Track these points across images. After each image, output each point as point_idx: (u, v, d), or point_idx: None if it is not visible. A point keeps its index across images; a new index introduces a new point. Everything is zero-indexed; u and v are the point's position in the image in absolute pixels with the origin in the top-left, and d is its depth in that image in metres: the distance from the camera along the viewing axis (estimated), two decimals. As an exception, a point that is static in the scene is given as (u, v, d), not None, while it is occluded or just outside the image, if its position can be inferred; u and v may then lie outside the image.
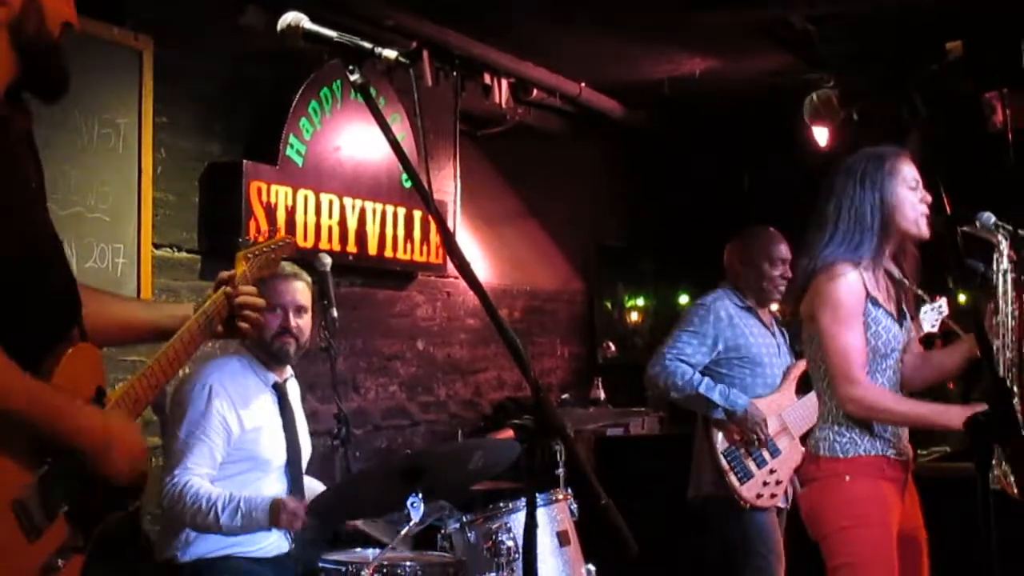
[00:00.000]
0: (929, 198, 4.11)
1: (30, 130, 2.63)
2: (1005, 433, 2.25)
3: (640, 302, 9.80)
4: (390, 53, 2.71)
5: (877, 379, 4.04)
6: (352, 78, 2.70)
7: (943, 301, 5.21)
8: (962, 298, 5.67)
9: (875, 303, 4.02)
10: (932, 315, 5.33)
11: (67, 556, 2.52)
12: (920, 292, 4.30)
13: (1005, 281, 4.07)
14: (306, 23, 2.76)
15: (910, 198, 4.05)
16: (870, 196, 4.03)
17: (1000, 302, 4.08)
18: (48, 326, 2.58)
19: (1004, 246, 4.07)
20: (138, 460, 2.65)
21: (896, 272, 4.16)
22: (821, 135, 7.86)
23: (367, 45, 2.73)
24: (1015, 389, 4.05)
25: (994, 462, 4.06)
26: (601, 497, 2.45)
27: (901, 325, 4.11)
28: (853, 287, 4.00)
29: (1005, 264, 4.08)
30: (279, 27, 2.75)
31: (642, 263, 9.73)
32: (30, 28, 2.49)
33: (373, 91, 6.55)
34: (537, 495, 4.64)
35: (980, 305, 4.05)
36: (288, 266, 4.87)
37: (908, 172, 4.08)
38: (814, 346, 4.15)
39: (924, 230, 4.07)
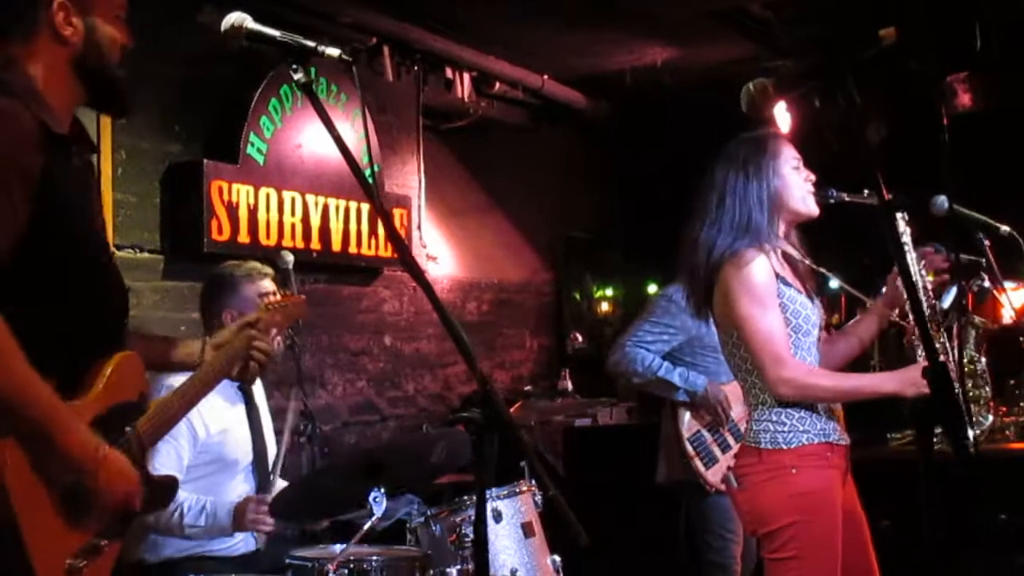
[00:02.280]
0: (813, 176, 4.07)
1: (91, 159, 2.99)
2: (946, 415, 2.27)
3: (609, 292, 9.81)
4: (333, 51, 2.74)
5: (805, 357, 3.98)
6: (295, 77, 2.72)
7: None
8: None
9: (785, 282, 3.97)
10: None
11: (95, 551, 2.73)
12: (815, 266, 4.23)
13: (903, 243, 4.00)
14: (249, 23, 2.78)
15: (794, 177, 4.02)
16: (755, 182, 3.97)
17: (905, 261, 4.02)
18: (99, 330, 2.80)
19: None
20: (129, 491, 2.76)
21: (795, 253, 4.11)
22: (784, 122, 7.87)
23: (310, 43, 2.75)
24: (937, 345, 4.02)
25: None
26: (549, 488, 2.47)
27: (812, 302, 4.06)
28: (763, 269, 3.93)
29: (902, 226, 4.00)
30: (222, 27, 2.78)
31: (610, 253, 9.73)
32: (92, 61, 2.85)
33: (335, 87, 6.64)
34: (501, 487, 4.72)
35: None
36: (259, 265, 4.89)
37: (788, 152, 4.04)
38: (732, 341, 4.07)
39: (812, 207, 4.04)
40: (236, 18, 2.77)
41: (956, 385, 3.90)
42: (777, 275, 3.97)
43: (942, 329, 4.05)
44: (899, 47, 6.40)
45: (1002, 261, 4.32)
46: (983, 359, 4.24)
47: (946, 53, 7.12)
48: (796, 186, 4.01)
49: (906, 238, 3.97)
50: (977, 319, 4.25)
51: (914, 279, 3.94)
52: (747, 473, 4.02)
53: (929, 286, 4.02)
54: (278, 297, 3.68)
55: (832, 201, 4.05)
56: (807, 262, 4.14)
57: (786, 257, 4.09)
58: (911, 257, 3.97)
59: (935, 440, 2.67)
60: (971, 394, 4.17)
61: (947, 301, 4.11)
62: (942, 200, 4.14)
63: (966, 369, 4.15)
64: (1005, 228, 4.28)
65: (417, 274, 2.59)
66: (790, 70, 6.96)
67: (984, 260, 4.34)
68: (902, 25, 6.30)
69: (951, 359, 4.03)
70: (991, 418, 4.18)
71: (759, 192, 3.97)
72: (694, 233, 4.06)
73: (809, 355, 4.00)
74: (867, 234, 3.94)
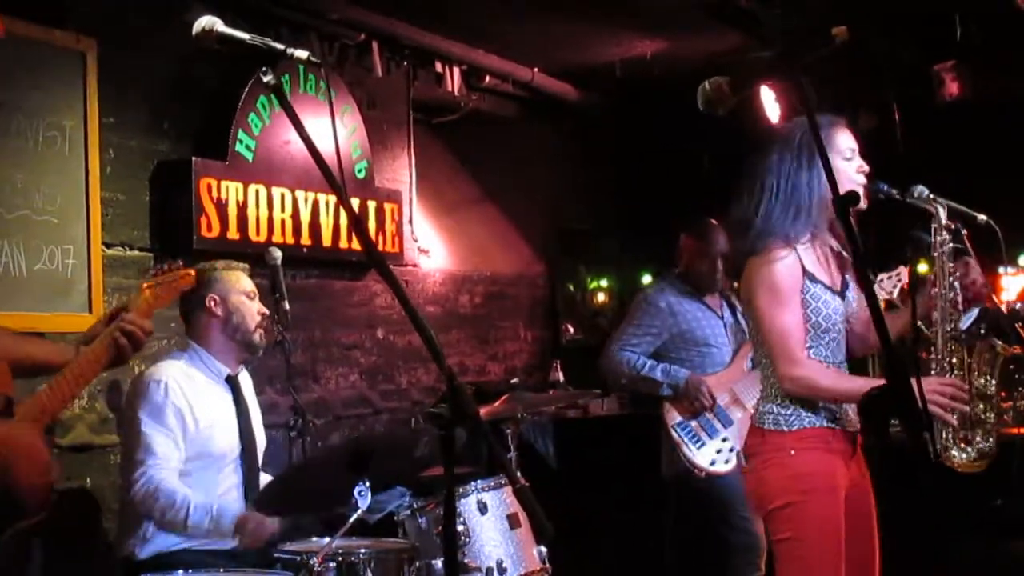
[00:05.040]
0: (866, 167, 4.12)
1: None
2: (900, 407, 2.31)
3: (604, 283, 9.84)
4: (301, 53, 2.79)
5: (821, 352, 4.05)
6: (265, 80, 2.75)
7: (902, 270, 5.30)
8: (923, 268, 5.78)
9: (813, 279, 4.02)
10: (889, 283, 5.44)
11: None
12: (859, 264, 4.28)
13: (942, 252, 4.13)
14: (219, 26, 2.82)
15: (845, 168, 4.03)
16: (806, 169, 4.00)
17: (938, 274, 4.14)
18: None
19: (942, 216, 4.12)
20: (43, 475, 2.74)
21: (836, 245, 4.13)
22: (773, 112, 7.90)
23: (279, 46, 2.80)
24: (953, 361, 4.12)
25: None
26: (517, 481, 2.51)
27: (843, 297, 4.11)
28: (789, 268, 3.99)
29: (944, 234, 4.13)
30: (193, 31, 2.81)
31: (603, 244, 9.75)
32: None
33: (323, 84, 6.66)
34: (486, 479, 4.77)
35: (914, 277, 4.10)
36: (227, 262, 4.95)
37: (843, 142, 4.07)
38: (753, 326, 4.19)
39: (860, 200, 3.98)
40: (207, 22, 2.81)
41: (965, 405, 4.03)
42: (805, 271, 4.02)
43: (962, 347, 4.13)
44: (885, 37, 6.44)
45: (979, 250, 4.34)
46: (994, 383, 4.27)
47: (927, 43, 7.16)
48: (846, 177, 4.01)
49: (947, 248, 4.09)
50: (998, 343, 4.28)
51: (931, 288, 4.06)
52: (752, 453, 4.14)
53: (959, 300, 4.11)
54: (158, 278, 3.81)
55: (882, 196, 4.08)
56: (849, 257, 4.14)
57: (831, 248, 4.12)
58: (945, 262, 4.09)
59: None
60: (980, 417, 4.22)
61: (967, 322, 4.16)
62: (921, 189, 4.17)
63: (975, 391, 4.20)
64: (982, 217, 4.28)
65: (384, 270, 2.63)
66: (745, 68, 7.00)
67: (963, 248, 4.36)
68: (883, 16, 6.32)
69: (964, 376, 4.10)
70: (990, 444, 4.20)
71: (809, 179, 4.00)
72: (743, 213, 4.11)
73: (827, 350, 4.08)
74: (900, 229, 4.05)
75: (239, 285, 4.86)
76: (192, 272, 3.90)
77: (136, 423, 4.62)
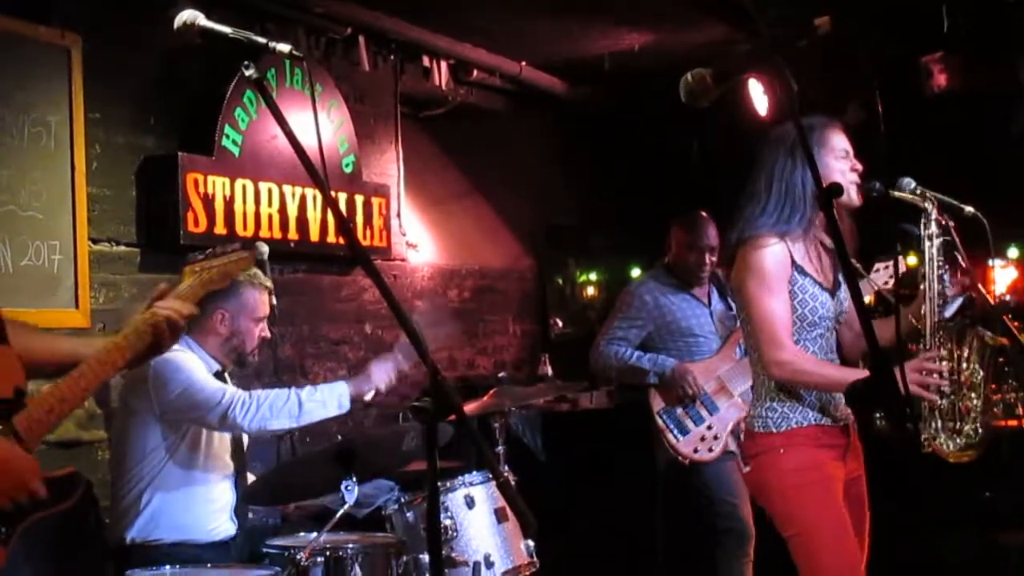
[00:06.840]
0: (860, 166, 4.16)
1: None
2: (883, 400, 2.31)
3: (592, 276, 9.84)
4: (283, 47, 2.78)
5: (808, 347, 4.08)
6: (247, 73, 2.74)
7: (899, 260, 5.33)
8: (912, 260, 5.81)
9: (802, 272, 4.06)
10: (885, 273, 5.48)
11: None
12: (856, 264, 4.34)
13: (931, 246, 4.16)
14: (201, 20, 2.82)
15: (839, 167, 4.09)
16: (800, 168, 4.03)
17: (925, 267, 4.16)
18: None
19: (932, 211, 4.15)
20: (19, 482, 2.73)
21: (829, 242, 4.15)
22: (761, 105, 7.89)
23: (261, 40, 2.79)
24: (942, 352, 4.13)
25: (922, 424, 4.14)
26: (500, 475, 2.51)
27: (833, 295, 4.14)
28: (778, 256, 4.03)
29: (932, 228, 4.16)
30: (175, 25, 2.81)
31: (592, 237, 9.75)
32: None
33: (307, 78, 6.63)
34: (474, 473, 4.77)
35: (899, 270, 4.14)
36: (262, 275, 4.92)
37: (837, 142, 4.13)
38: (743, 317, 4.21)
39: (853, 198, 4.10)
40: (188, 16, 2.81)
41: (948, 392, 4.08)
42: (794, 263, 4.06)
43: (951, 338, 4.16)
44: (873, 29, 6.43)
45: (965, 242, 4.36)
46: (982, 373, 4.29)
47: (915, 34, 7.16)
48: (839, 176, 4.06)
49: (933, 228, 4.13)
50: (987, 334, 4.31)
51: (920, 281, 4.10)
52: (747, 454, 4.21)
53: (949, 292, 4.16)
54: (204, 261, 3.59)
55: (875, 195, 4.11)
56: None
57: (823, 246, 4.17)
58: (934, 255, 4.15)
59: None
60: (968, 406, 4.24)
61: (950, 310, 4.19)
62: (908, 181, 4.19)
63: (962, 379, 4.22)
64: (969, 209, 4.31)
65: (368, 266, 2.63)
66: (727, 60, 7.00)
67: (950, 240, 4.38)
68: (871, 8, 6.32)
69: (953, 367, 4.13)
70: (979, 434, 4.22)
71: (802, 178, 4.03)
72: (741, 210, 4.16)
73: (815, 345, 4.11)
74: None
75: (255, 311, 4.81)
76: (246, 256, 3.57)
77: (182, 384, 4.54)
